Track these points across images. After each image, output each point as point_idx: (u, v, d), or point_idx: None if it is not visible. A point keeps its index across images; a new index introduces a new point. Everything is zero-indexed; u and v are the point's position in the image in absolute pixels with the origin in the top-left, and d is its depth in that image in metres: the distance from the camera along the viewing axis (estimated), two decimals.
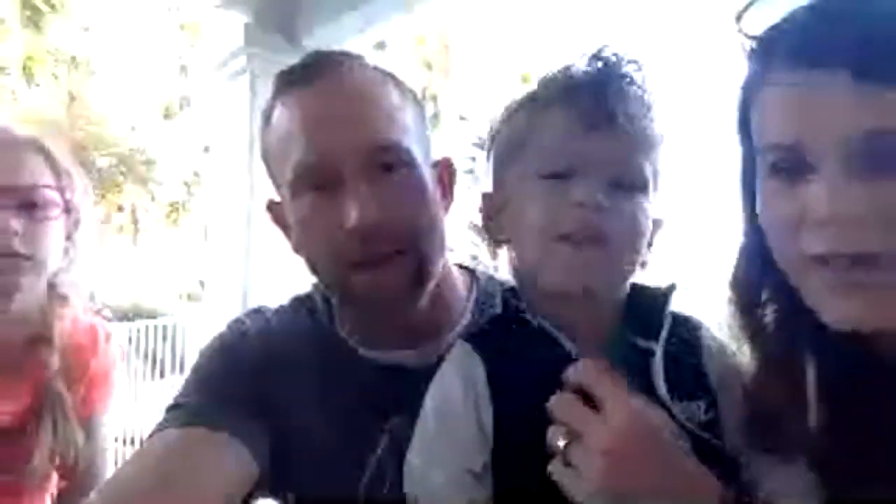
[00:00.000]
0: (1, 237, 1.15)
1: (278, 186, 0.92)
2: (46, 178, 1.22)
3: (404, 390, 0.81)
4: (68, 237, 1.26)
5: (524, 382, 0.73)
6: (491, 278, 1.03)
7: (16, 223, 1.16)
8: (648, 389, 0.72)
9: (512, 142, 0.80)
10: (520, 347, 0.76)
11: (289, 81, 0.91)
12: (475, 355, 0.76)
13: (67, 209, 1.24)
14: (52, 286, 1.26)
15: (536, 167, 0.76)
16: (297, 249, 0.92)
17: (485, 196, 0.85)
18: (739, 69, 0.70)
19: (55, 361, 1.22)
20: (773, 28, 0.67)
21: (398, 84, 0.93)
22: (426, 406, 0.77)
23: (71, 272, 1.28)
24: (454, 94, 9.73)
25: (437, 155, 0.98)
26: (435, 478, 0.72)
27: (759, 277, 0.74)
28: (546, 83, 0.79)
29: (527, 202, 0.77)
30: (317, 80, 0.88)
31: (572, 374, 0.71)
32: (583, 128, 0.73)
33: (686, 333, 0.79)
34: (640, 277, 0.81)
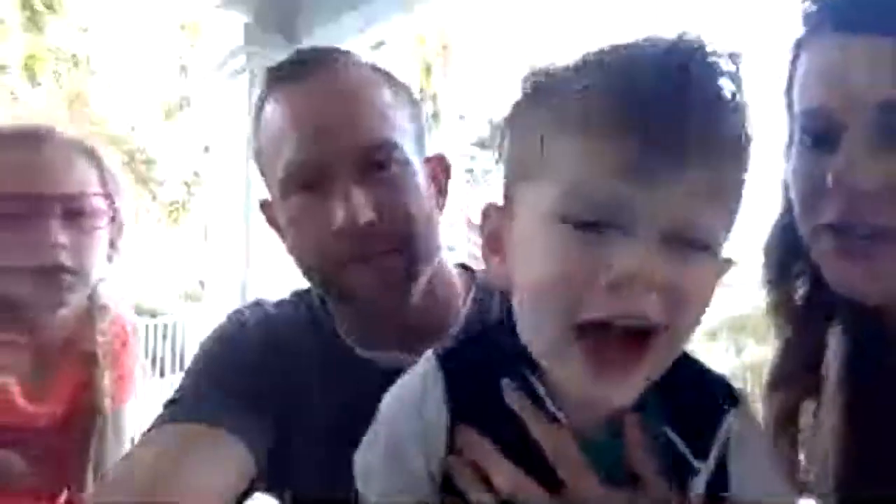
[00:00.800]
0: (48, 251, 1.07)
1: (269, 186, 0.92)
2: (94, 183, 1.13)
3: None
4: (112, 244, 1.18)
5: (488, 425, 0.59)
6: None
7: (63, 235, 1.07)
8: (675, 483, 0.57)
9: (529, 151, 0.56)
10: (493, 385, 0.60)
11: (279, 78, 0.90)
12: (438, 376, 0.62)
13: (113, 216, 1.16)
14: (93, 295, 1.19)
15: (561, 206, 0.52)
16: (289, 249, 0.92)
17: (488, 210, 0.62)
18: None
19: (96, 372, 1.19)
20: None
21: (391, 81, 0.92)
22: (381, 414, 0.67)
23: (112, 280, 1.22)
24: (454, 94, 9.74)
25: (434, 152, 0.96)
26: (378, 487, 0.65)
27: (791, 248, 0.72)
28: (591, 77, 0.52)
29: (542, 254, 0.54)
30: (307, 78, 0.87)
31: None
32: (638, 165, 0.49)
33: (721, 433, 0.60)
34: None
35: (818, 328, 0.73)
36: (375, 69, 0.92)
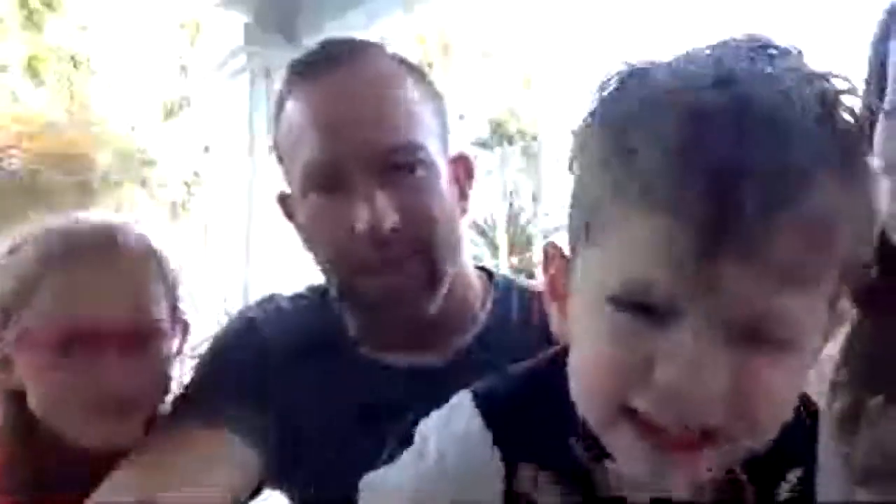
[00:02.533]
0: (109, 386, 0.83)
1: (289, 181, 0.89)
2: (163, 303, 0.90)
3: (415, 393, 0.79)
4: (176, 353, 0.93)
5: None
6: (510, 283, 0.98)
7: (121, 368, 0.84)
8: None
9: (590, 204, 0.47)
10: (554, 458, 0.53)
11: (302, 72, 0.87)
12: (494, 452, 0.53)
13: (174, 325, 0.93)
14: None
15: (613, 283, 0.45)
16: (306, 248, 0.90)
17: (552, 253, 0.54)
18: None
19: None
20: None
21: (417, 75, 0.88)
22: (430, 450, 0.57)
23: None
24: (454, 94, 9.74)
25: (457, 151, 0.93)
26: None
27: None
28: (657, 124, 0.42)
29: (592, 332, 0.47)
30: (328, 74, 0.84)
31: None
32: (697, 249, 0.40)
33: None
34: None
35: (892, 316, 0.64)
36: (401, 62, 0.89)
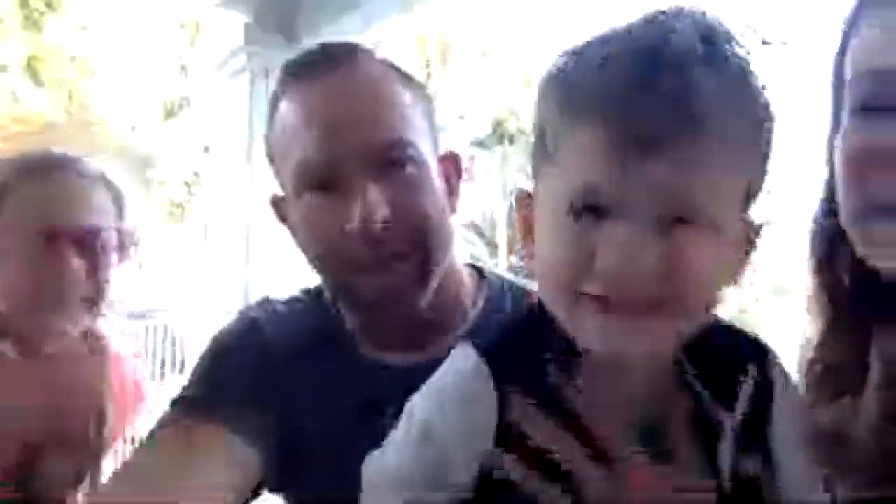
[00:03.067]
0: (74, 283, 1.12)
1: (282, 184, 0.90)
2: (113, 217, 1.19)
3: (409, 391, 0.80)
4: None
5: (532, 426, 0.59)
6: (502, 281, 1.00)
7: (81, 265, 1.13)
8: (707, 453, 0.60)
9: (538, 137, 0.60)
10: (536, 376, 0.60)
11: (294, 74, 0.89)
12: (486, 371, 0.61)
13: (121, 248, 1.21)
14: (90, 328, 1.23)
15: (560, 193, 0.56)
16: (301, 248, 0.91)
17: (520, 197, 0.65)
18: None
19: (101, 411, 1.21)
20: None
21: (406, 78, 0.91)
22: (415, 414, 0.65)
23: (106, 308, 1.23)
24: (454, 94, 9.73)
25: (447, 150, 0.95)
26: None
27: (836, 232, 0.69)
28: (582, 62, 0.55)
29: (547, 241, 0.58)
30: (323, 75, 0.86)
31: None
32: (621, 150, 0.51)
33: (760, 392, 0.63)
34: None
35: (864, 321, 0.67)
36: (391, 66, 0.91)
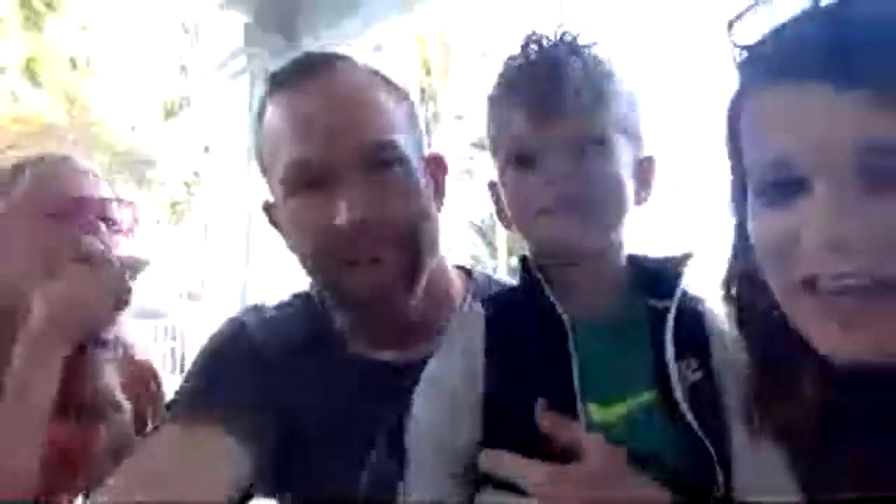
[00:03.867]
0: (106, 248, 1.15)
1: (271, 188, 0.92)
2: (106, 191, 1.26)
3: (401, 389, 0.81)
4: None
5: (518, 342, 0.78)
6: (489, 279, 1.03)
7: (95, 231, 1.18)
8: (656, 348, 0.76)
9: (490, 133, 0.83)
10: (521, 309, 0.80)
11: (280, 82, 0.91)
12: (479, 312, 0.80)
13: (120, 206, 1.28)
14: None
15: (507, 156, 0.80)
16: (292, 249, 0.93)
17: (491, 184, 0.85)
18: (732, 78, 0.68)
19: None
20: (761, 39, 0.64)
21: (389, 84, 0.93)
22: (428, 370, 0.80)
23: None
24: (453, 94, 9.74)
25: (431, 152, 0.98)
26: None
27: (751, 293, 0.71)
28: (497, 77, 0.82)
29: (509, 188, 0.81)
30: (308, 81, 0.89)
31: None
32: (530, 118, 0.77)
33: (690, 301, 0.80)
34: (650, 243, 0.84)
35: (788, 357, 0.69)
36: (374, 72, 0.94)
